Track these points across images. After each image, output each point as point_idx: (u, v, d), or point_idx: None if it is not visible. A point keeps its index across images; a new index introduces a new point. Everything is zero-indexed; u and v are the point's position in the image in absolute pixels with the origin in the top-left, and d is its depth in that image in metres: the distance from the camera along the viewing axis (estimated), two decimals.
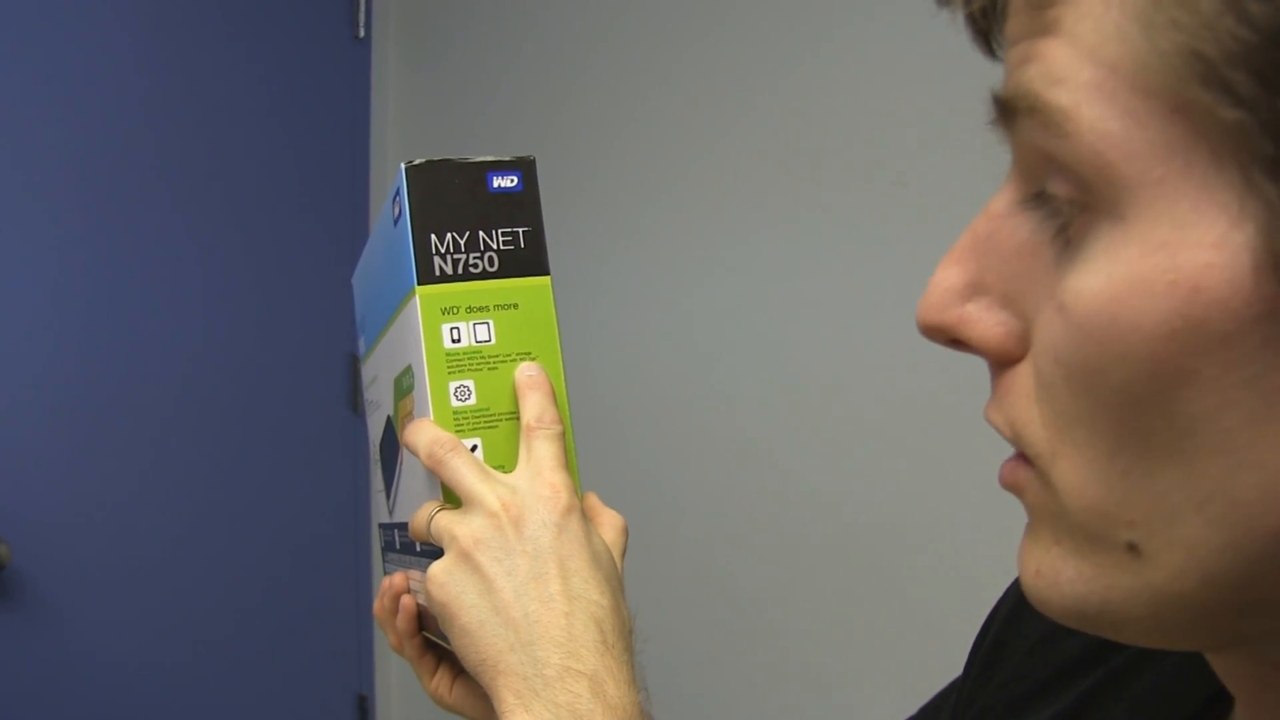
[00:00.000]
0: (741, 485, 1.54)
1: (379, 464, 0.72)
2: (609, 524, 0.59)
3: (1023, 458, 0.30)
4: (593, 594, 0.52)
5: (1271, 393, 0.24)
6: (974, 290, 0.30)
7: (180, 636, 1.88)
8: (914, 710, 0.58)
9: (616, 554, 0.58)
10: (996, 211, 0.30)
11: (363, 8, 2.19)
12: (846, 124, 1.41)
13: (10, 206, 1.75)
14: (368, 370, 0.73)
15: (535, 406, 0.56)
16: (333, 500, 2.12)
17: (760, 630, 1.52)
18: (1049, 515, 0.29)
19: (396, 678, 2.16)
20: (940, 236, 1.26)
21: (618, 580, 0.56)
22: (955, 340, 0.31)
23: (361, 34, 2.20)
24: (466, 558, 0.53)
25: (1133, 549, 0.27)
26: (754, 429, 1.53)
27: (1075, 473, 0.28)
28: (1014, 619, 0.48)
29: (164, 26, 1.91)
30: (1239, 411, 0.24)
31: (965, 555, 1.27)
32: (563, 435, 0.57)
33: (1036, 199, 0.29)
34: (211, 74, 1.97)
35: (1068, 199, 0.27)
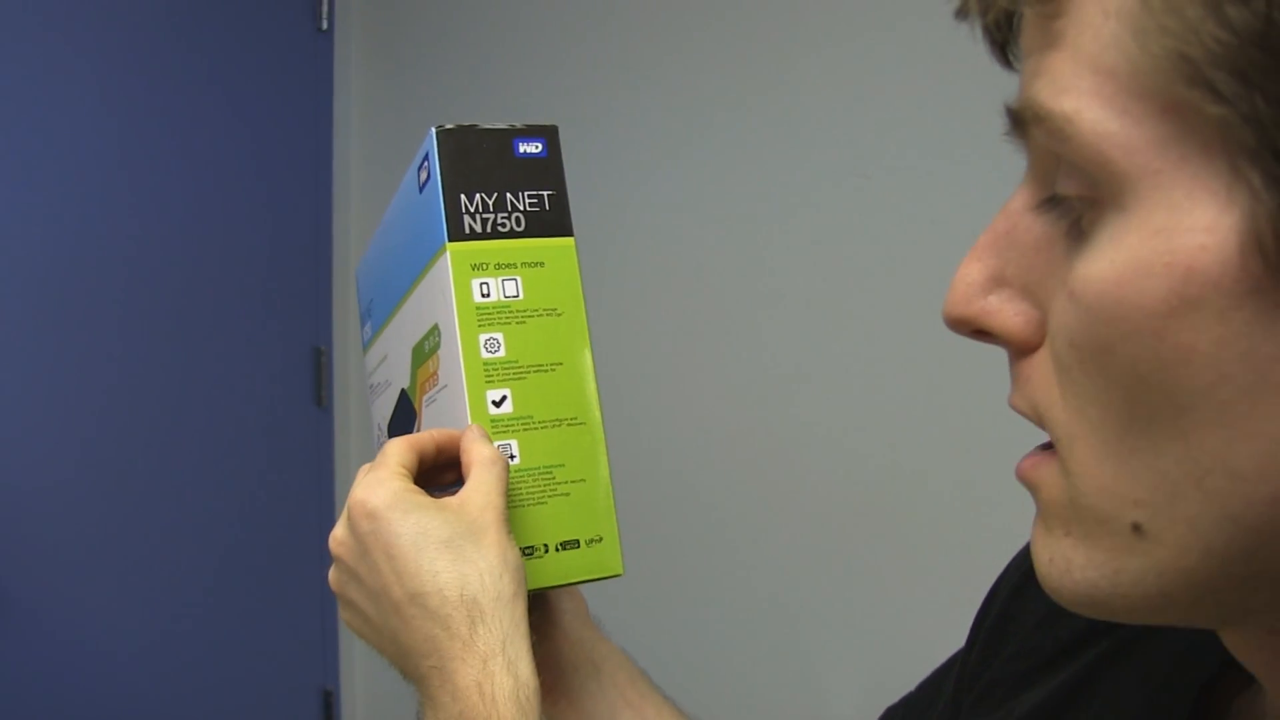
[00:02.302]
0: (718, 472, 1.55)
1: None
2: (478, 460, 0.55)
3: (1043, 451, 0.32)
4: (425, 584, 0.51)
5: (1263, 365, 0.26)
6: (995, 283, 0.32)
7: (145, 631, 1.87)
8: (898, 697, 0.58)
9: (482, 497, 0.53)
10: (1014, 209, 0.32)
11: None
12: (813, 121, 1.42)
13: None
14: (374, 354, 0.74)
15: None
16: (297, 494, 2.11)
17: (748, 614, 1.53)
18: (1061, 506, 0.31)
19: (361, 673, 2.15)
20: (901, 228, 1.26)
21: (467, 543, 0.52)
22: (978, 331, 0.33)
23: (325, 25, 2.19)
24: (338, 564, 0.56)
25: (1138, 529, 0.29)
26: (726, 426, 1.54)
27: (1090, 452, 0.30)
28: (1019, 593, 0.49)
29: (125, 16, 1.88)
30: (1234, 385, 0.26)
31: (950, 538, 1.29)
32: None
33: (1050, 201, 0.31)
34: (173, 63, 1.94)
35: (1077, 196, 0.29)
